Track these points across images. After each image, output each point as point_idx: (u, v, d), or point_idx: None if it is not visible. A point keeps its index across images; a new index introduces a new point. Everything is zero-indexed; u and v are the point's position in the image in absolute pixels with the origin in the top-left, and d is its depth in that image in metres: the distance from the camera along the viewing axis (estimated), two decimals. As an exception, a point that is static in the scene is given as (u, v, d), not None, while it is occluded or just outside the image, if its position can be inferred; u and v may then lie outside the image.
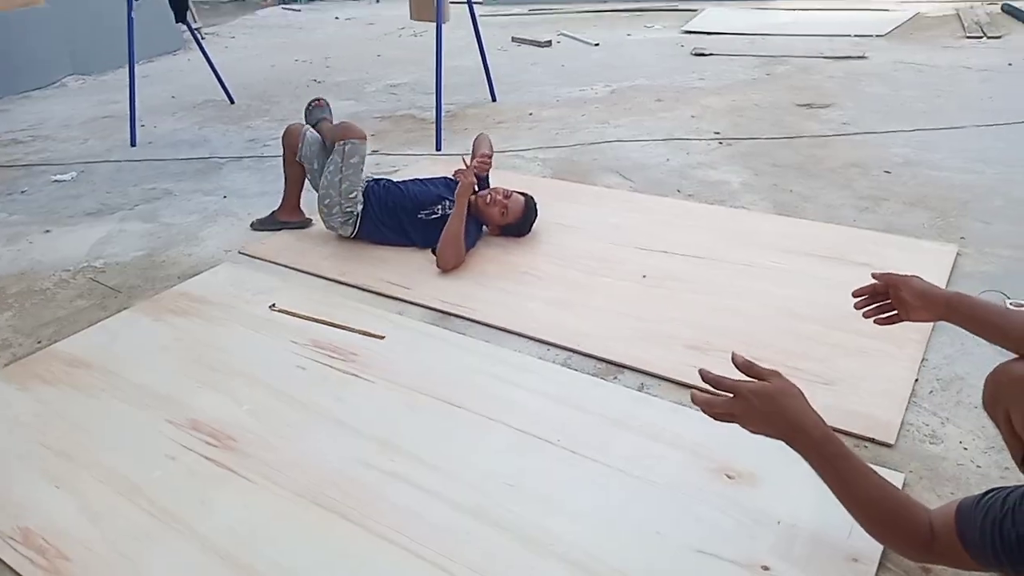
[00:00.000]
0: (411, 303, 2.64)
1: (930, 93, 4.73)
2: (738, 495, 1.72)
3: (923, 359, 2.14)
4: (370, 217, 3.03)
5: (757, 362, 1.25)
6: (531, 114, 4.85)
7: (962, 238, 2.84)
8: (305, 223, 3.29)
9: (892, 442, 1.84)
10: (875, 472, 1.18)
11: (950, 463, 1.79)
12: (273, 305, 2.65)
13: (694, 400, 1.25)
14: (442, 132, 4.30)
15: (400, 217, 3.00)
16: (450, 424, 2.01)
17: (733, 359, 1.24)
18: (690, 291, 2.58)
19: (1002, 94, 4.61)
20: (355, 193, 2.98)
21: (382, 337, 2.43)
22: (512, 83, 5.62)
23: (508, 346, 2.36)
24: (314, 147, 3.12)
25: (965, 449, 1.83)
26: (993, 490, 1.01)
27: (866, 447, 1.85)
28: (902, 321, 1.54)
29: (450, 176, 3.15)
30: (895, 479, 1.73)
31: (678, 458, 1.85)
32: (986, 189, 3.25)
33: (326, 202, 3.01)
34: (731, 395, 1.21)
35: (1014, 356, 1.39)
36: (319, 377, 2.25)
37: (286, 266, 2.97)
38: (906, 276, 1.50)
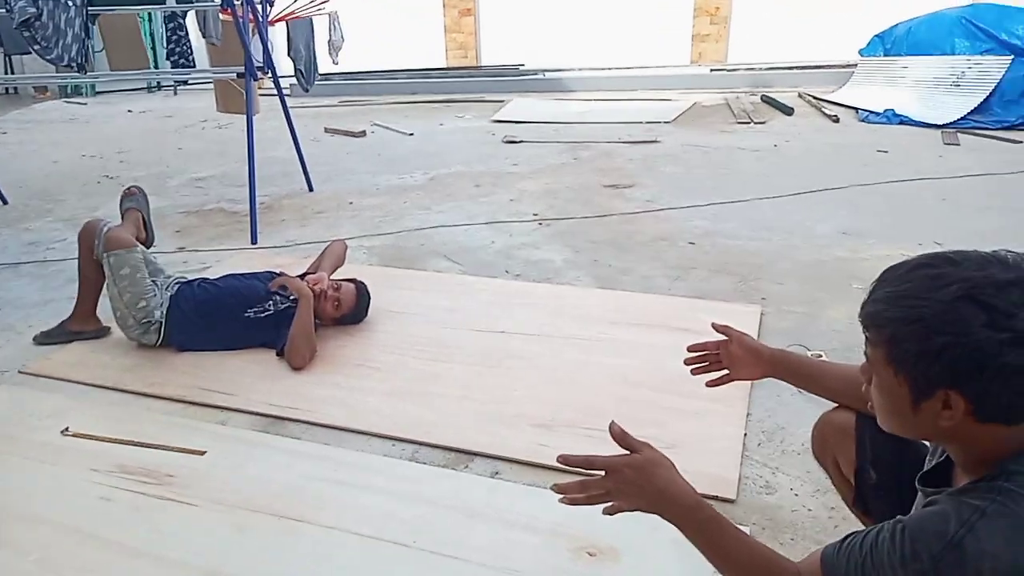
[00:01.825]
0: (235, 411, 2.41)
1: (716, 172, 5.28)
2: (602, 571, 1.70)
3: (748, 414, 2.29)
4: (180, 322, 2.76)
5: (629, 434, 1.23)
6: (351, 203, 4.79)
7: (763, 299, 3.13)
8: (102, 332, 2.93)
9: (734, 498, 1.92)
10: (743, 532, 1.19)
11: (785, 511, 1.89)
12: (66, 429, 2.30)
13: (561, 491, 1.21)
14: (257, 225, 4.11)
15: (220, 318, 2.77)
16: (289, 542, 1.82)
17: (611, 429, 1.22)
18: (529, 369, 2.60)
19: (774, 171, 5.26)
20: (144, 303, 2.70)
21: (202, 452, 2.18)
22: (329, 172, 5.55)
23: (349, 446, 2.21)
24: (107, 244, 2.83)
25: (796, 495, 1.94)
26: (851, 535, 1.06)
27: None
28: (731, 381, 1.62)
29: (274, 271, 3.00)
30: (743, 534, 1.79)
31: (537, 542, 1.79)
32: (774, 254, 3.63)
33: (117, 315, 2.74)
34: (603, 473, 1.18)
35: (834, 405, 1.51)
36: (128, 507, 1.96)
37: (81, 383, 2.61)
38: (740, 332, 1.58)
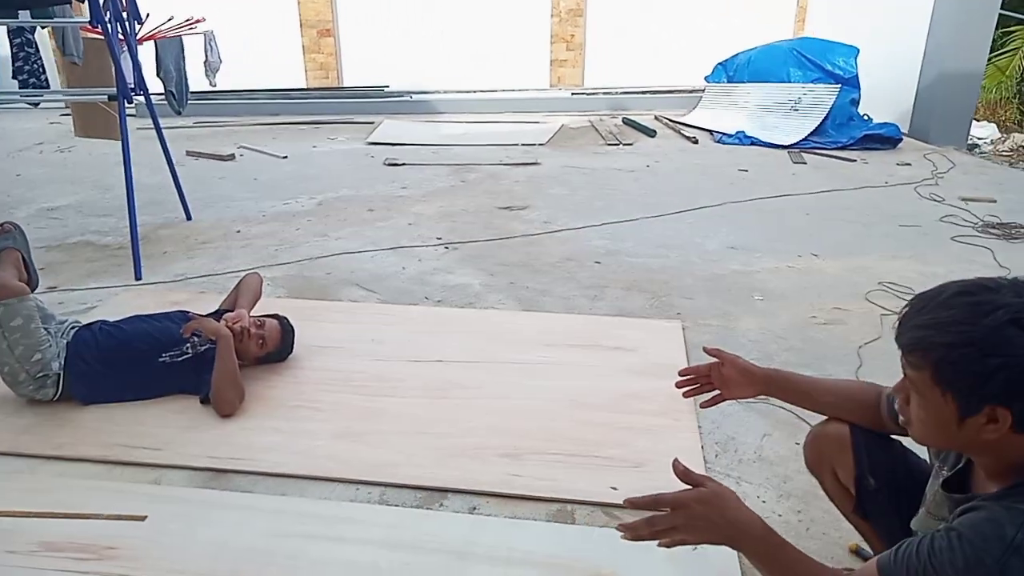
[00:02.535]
0: (167, 467, 2.19)
1: (599, 192, 5.50)
2: (608, 600, 1.70)
3: (699, 427, 2.39)
4: (82, 373, 2.47)
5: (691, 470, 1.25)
6: (239, 231, 4.51)
7: (678, 314, 3.29)
8: (-21, 389, 2.57)
9: (711, 510, 2.00)
10: (804, 553, 1.24)
11: (774, 520, 1.99)
12: (-35, 506, 1.99)
13: (627, 529, 1.21)
14: (140, 259, 3.76)
15: (130, 365, 2.51)
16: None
17: (674, 467, 1.23)
18: (477, 398, 2.56)
19: (651, 191, 5.55)
20: (40, 355, 2.40)
21: (142, 518, 1.96)
22: (204, 199, 5.18)
23: (309, 495, 2.07)
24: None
25: (764, 502, 2.06)
26: (902, 544, 1.14)
27: (691, 520, 1.97)
28: (723, 400, 1.70)
29: (186, 310, 2.76)
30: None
31: (537, 577, 1.77)
32: (676, 271, 3.83)
33: (5, 370, 2.41)
34: (669, 510, 1.20)
35: (824, 419, 1.61)
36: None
37: (-37, 449, 2.27)
38: (732, 355, 1.66)
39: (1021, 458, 1.10)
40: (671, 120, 8.48)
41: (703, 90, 9.14)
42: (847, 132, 7.20)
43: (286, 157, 6.75)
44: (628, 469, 2.16)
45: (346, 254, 4.08)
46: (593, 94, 9.83)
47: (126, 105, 3.80)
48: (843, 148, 7.04)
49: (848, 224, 4.69)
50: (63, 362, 2.46)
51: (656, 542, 1.21)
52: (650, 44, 10.30)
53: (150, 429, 2.36)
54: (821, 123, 7.24)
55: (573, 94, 9.89)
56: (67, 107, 8.39)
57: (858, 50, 7.74)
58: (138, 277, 3.69)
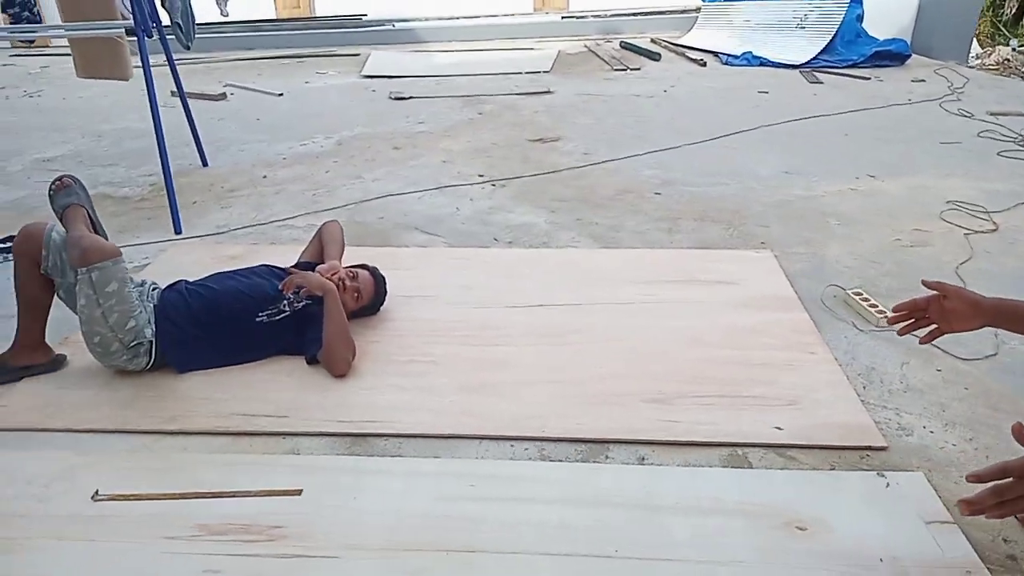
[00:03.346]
0: (301, 435, 2.04)
1: (626, 120, 5.31)
2: (822, 546, 1.64)
3: (835, 359, 2.32)
4: (175, 338, 2.27)
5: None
6: (265, 176, 4.23)
7: (762, 243, 3.19)
8: (58, 362, 2.35)
9: (886, 445, 1.94)
10: None
11: (934, 450, 1.94)
12: (96, 493, 1.81)
13: (968, 503, 1.12)
14: (179, 211, 3.49)
15: (226, 327, 2.32)
16: (481, 578, 1.57)
17: (1013, 430, 1.13)
18: (594, 341, 2.45)
19: (678, 117, 5.39)
20: (134, 322, 2.20)
21: (298, 492, 1.82)
22: (211, 143, 4.84)
23: (463, 455, 1.95)
24: (65, 252, 2.24)
25: (932, 433, 2.01)
26: None
27: (868, 456, 1.92)
28: (942, 335, 1.61)
29: (274, 266, 2.57)
30: (915, 479, 1.82)
31: (739, 525, 1.69)
32: (740, 199, 3.72)
33: (96, 340, 2.18)
34: (1014, 479, 1.10)
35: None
36: (251, 577, 1.58)
37: (70, 430, 2.07)
38: (956, 287, 1.57)
39: None
40: (671, 43, 8.24)
41: (698, 10, 8.89)
42: (856, 49, 7.08)
43: (282, 95, 6.36)
44: (784, 407, 2.08)
45: (390, 196, 3.87)
46: (583, 17, 9.49)
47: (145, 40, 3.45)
48: (853, 66, 6.93)
49: (889, 144, 4.62)
50: (154, 328, 2.26)
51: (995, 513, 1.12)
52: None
53: (264, 395, 2.19)
54: (831, 41, 7.10)
55: (563, 18, 9.53)
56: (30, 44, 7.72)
57: (860, -37, 7.56)
58: (178, 231, 3.43)
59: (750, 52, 7.27)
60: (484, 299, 2.73)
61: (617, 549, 1.63)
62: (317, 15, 9.96)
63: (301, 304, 2.40)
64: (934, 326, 1.62)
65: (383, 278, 2.63)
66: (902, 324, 1.64)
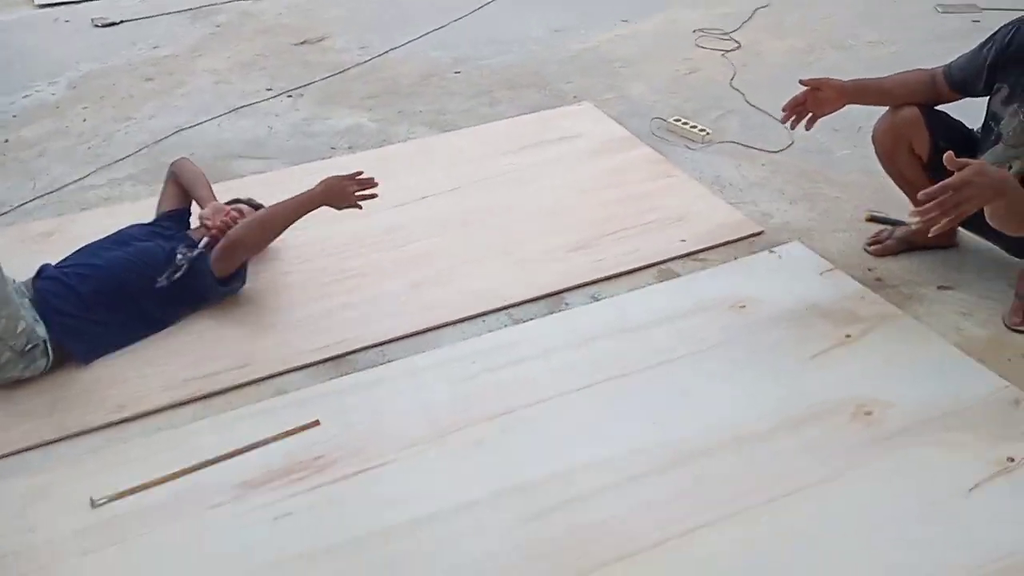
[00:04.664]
0: (278, 376, 1.99)
1: (378, 7, 5.16)
2: (763, 314, 2.06)
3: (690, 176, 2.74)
4: (71, 329, 2.01)
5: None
6: (7, 141, 3.54)
7: (575, 97, 3.50)
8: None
9: (762, 229, 2.42)
10: None
11: (793, 222, 2.47)
12: (93, 501, 1.65)
13: (920, 212, 1.51)
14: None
15: (126, 303, 2.09)
16: (550, 425, 1.77)
17: (946, 159, 1.51)
18: (497, 214, 2.61)
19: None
20: (23, 323, 1.91)
21: (316, 423, 1.82)
22: None
23: (447, 342, 2.06)
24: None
25: (784, 211, 2.53)
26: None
27: (753, 241, 2.38)
28: (817, 119, 2.04)
29: (140, 224, 2.31)
30: (795, 247, 2.32)
31: (700, 319, 2.07)
32: (533, 62, 3.94)
33: None
34: (960, 190, 1.49)
35: (886, 109, 2.03)
36: (334, 517, 1.59)
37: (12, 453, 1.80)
38: (824, 78, 1.98)
39: None
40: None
41: None
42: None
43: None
44: (677, 223, 2.47)
45: (183, 130, 3.49)
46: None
47: None
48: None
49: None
50: (43, 324, 1.97)
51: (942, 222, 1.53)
52: None
53: (207, 352, 2.06)
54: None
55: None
56: None
57: None
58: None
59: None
60: (368, 205, 2.70)
61: (625, 366, 1.92)
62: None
63: (196, 253, 2.22)
64: (810, 115, 2.03)
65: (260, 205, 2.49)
66: (791, 119, 2.04)
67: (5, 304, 1.85)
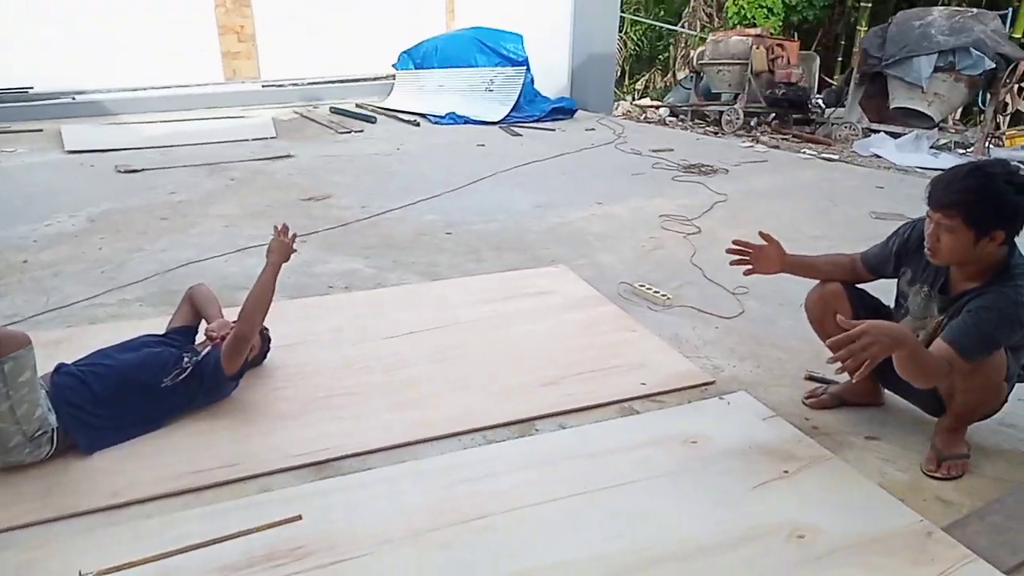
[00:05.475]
0: (265, 475, 2.14)
1: (381, 176, 5.77)
2: (710, 450, 2.29)
3: (651, 332, 3.07)
4: (80, 421, 2.18)
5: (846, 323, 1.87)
6: (25, 262, 3.82)
7: (552, 261, 3.91)
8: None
9: (713, 379, 2.70)
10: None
11: (740, 376, 2.75)
12: (84, 573, 1.74)
13: (837, 359, 1.81)
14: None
15: (133, 401, 2.27)
16: (524, 530, 1.92)
17: (837, 319, 1.84)
18: (475, 352, 2.87)
19: (423, 169, 6.00)
20: (40, 410, 2.10)
21: (298, 517, 1.96)
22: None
23: (423, 456, 2.24)
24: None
25: (734, 366, 2.82)
26: (947, 327, 1.97)
27: (705, 389, 2.65)
28: (755, 273, 2.39)
29: (151, 334, 2.54)
30: (741, 396, 2.59)
31: (654, 450, 2.28)
32: (516, 230, 4.43)
33: None
34: (859, 339, 1.80)
35: (816, 283, 2.41)
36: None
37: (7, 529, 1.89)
38: (776, 240, 2.35)
39: (992, 262, 1.99)
40: (378, 107, 8.88)
41: (393, 77, 9.70)
42: (537, 107, 8.48)
43: (-20, 177, 5.56)
44: (637, 369, 2.75)
45: (192, 264, 3.81)
46: (282, 86, 9.68)
47: None
48: (538, 120, 8.29)
49: (599, 178, 5.78)
50: (54, 414, 2.14)
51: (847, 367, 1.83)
52: (324, 34, 10.41)
53: (201, 450, 2.21)
54: (516, 101, 8.38)
55: (264, 86, 9.60)
56: None
57: (522, 36, 9.03)
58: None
59: (454, 112, 8.24)
60: (361, 336, 2.98)
61: (587, 485, 2.10)
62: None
63: (201, 357, 2.44)
64: (749, 266, 2.39)
65: (266, 328, 2.74)
66: (736, 257, 2.38)
67: (33, 390, 2.03)
